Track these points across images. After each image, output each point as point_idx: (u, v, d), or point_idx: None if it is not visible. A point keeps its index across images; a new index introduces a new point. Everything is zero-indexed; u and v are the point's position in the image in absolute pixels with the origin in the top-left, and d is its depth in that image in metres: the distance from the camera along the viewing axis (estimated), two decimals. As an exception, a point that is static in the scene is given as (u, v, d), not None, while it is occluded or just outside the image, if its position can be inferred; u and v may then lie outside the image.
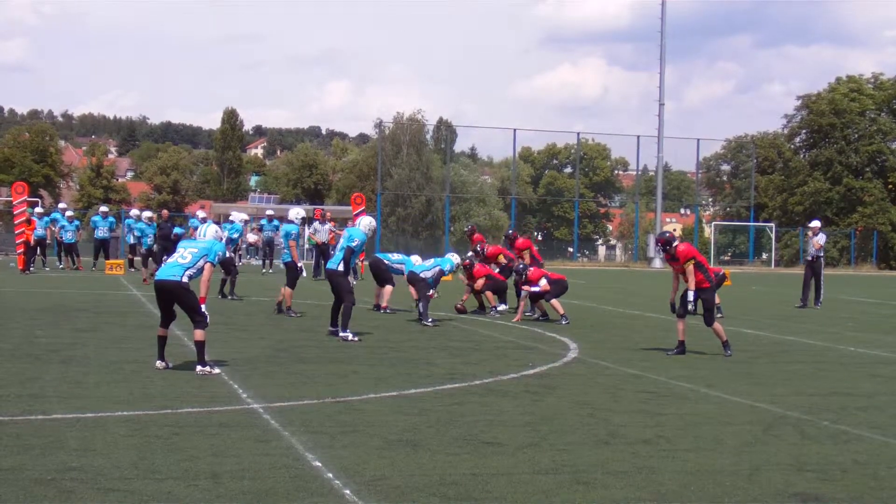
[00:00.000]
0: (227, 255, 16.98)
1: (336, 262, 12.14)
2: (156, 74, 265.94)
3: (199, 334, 8.94)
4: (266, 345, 11.19)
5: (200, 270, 9.08)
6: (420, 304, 14.11)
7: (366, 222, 13.03)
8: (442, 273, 14.71)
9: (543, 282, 14.99)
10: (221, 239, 9.85)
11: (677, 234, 74.09)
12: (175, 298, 9.06)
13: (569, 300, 17.25)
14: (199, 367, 8.88)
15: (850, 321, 17.15)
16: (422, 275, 14.38)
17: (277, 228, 27.42)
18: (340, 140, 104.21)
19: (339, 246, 12.48)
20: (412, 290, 14.68)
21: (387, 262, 16.00)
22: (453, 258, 15.33)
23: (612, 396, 8.28)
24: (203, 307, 9.03)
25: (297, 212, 15.87)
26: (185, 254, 9.21)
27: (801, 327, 15.50)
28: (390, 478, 5.36)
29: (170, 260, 9.34)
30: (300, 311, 14.75)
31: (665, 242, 11.23)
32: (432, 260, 15.09)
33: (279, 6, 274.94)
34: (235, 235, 18.37)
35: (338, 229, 23.15)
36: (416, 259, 15.58)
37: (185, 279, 8.99)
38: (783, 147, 59.79)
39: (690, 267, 10.98)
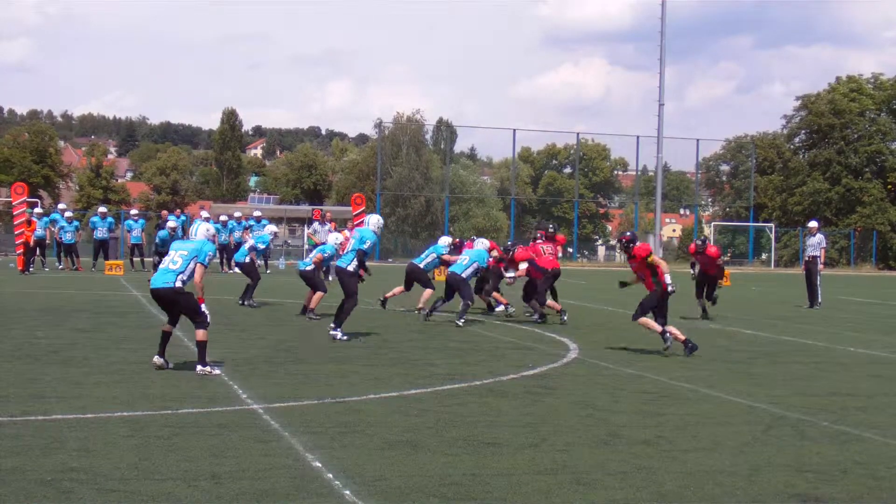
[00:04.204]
0: (251, 260, 16.48)
1: (347, 262, 12.11)
2: (156, 74, 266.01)
3: (200, 334, 8.92)
4: (266, 345, 11.20)
5: (193, 274, 8.99)
6: (461, 306, 14.06)
7: (374, 220, 12.97)
8: (480, 267, 14.54)
9: (523, 266, 14.71)
10: (213, 238, 9.64)
11: (676, 234, 74.26)
12: (173, 304, 9.00)
13: (569, 300, 17.26)
14: (199, 367, 8.88)
15: (850, 321, 17.16)
16: (463, 275, 14.25)
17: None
18: (340, 140, 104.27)
19: (350, 247, 12.37)
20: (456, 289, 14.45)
21: (421, 264, 15.85)
22: (483, 246, 14.92)
23: (612, 397, 8.28)
24: (203, 307, 9.03)
25: (336, 237, 15.38)
26: (175, 258, 9.08)
27: (801, 327, 15.51)
28: (390, 478, 5.36)
29: (162, 265, 9.21)
30: (319, 315, 14.34)
31: (629, 240, 11.63)
32: (466, 257, 14.63)
33: (279, 6, 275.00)
34: (262, 246, 17.55)
35: (339, 229, 23.08)
36: (443, 241, 15.38)
37: (178, 284, 8.91)
38: (783, 147, 59.80)
39: (653, 258, 11.30)
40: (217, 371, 8.91)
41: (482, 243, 15.23)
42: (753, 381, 9.39)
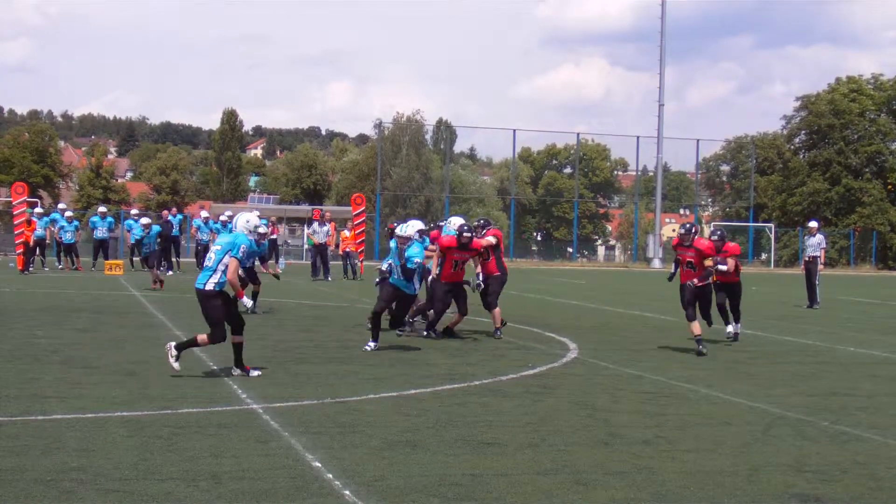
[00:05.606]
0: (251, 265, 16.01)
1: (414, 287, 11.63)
2: (156, 74, 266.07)
3: (235, 339, 8.78)
4: (266, 345, 11.19)
5: (225, 274, 8.63)
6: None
7: (415, 225, 11.64)
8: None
9: (491, 239, 12.79)
10: (252, 231, 9.04)
11: (676, 234, 74.13)
12: (201, 307, 8.74)
13: (569, 300, 17.27)
14: (236, 368, 8.81)
15: (850, 321, 17.16)
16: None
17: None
18: (340, 140, 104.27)
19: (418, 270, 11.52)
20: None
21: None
22: (452, 226, 12.71)
23: (611, 397, 8.28)
24: (245, 300, 8.87)
25: (414, 224, 11.91)
26: (210, 254, 8.77)
27: (801, 327, 15.51)
28: (390, 478, 5.36)
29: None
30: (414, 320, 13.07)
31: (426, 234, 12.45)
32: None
33: (279, 6, 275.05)
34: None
35: (338, 230, 23.05)
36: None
37: (208, 287, 8.59)
38: (783, 147, 59.84)
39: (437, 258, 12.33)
40: (256, 373, 8.82)
41: (453, 223, 12.75)
42: (753, 381, 9.39)
